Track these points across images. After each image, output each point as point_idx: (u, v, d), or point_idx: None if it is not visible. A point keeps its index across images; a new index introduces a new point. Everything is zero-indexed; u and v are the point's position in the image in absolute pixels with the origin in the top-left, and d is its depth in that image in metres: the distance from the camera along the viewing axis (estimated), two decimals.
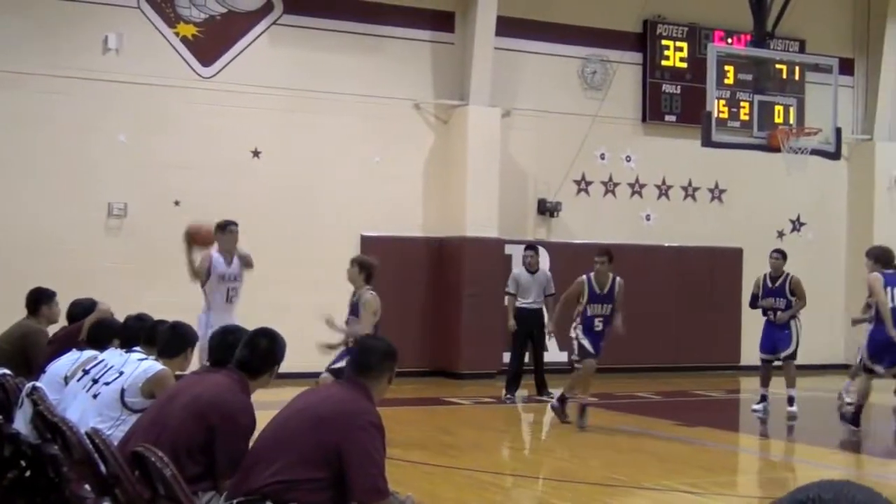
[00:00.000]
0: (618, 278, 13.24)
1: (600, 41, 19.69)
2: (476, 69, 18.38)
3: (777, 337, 14.50)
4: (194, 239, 12.06)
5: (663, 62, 20.02)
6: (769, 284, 14.72)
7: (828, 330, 20.84)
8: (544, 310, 15.78)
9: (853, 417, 13.21)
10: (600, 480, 10.13)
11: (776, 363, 14.57)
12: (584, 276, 13.16)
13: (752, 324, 20.19)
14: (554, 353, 17.56)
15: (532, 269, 16.08)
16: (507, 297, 16.08)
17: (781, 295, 14.60)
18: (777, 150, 18.26)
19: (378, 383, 5.43)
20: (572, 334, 13.30)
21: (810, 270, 20.82)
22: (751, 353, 20.24)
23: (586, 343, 13.06)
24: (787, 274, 14.77)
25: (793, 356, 14.42)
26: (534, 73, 19.21)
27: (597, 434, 13.09)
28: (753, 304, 14.96)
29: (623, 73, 19.71)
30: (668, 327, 19.46)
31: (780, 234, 20.85)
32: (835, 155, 19.22)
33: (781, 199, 20.64)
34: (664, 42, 20.06)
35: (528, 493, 10.42)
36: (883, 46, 21.49)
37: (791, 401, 14.23)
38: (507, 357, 16.53)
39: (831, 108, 19.31)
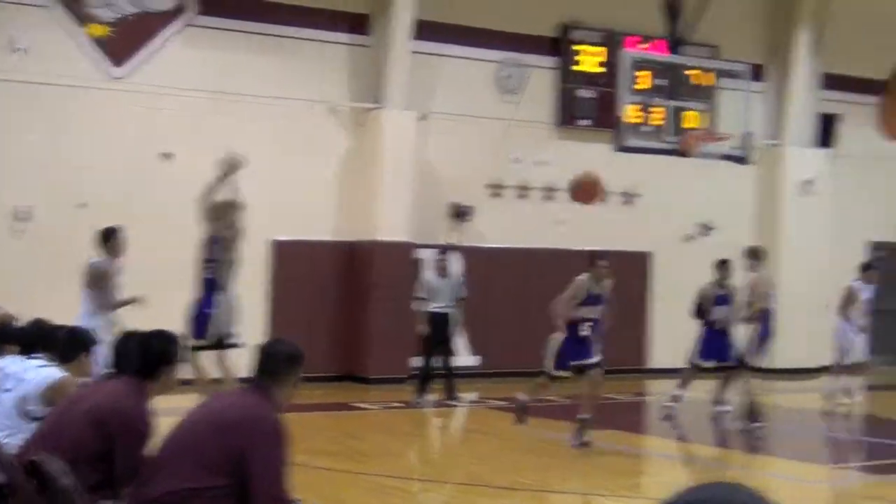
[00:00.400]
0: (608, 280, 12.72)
1: (516, 45, 19.79)
2: (392, 72, 18.38)
3: (723, 344, 14.71)
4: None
5: (578, 67, 20.17)
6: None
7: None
8: (454, 314, 15.85)
9: (751, 416, 13.63)
10: (508, 485, 10.19)
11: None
12: (585, 276, 12.51)
13: (660, 327, 20.50)
14: (465, 358, 17.66)
15: (443, 273, 16.14)
16: (417, 302, 16.11)
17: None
18: (688, 154, 18.52)
19: (283, 388, 5.38)
20: (552, 341, 12.52)
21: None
22: (658, 356, 20.54)
23: (566, 354, 12.29)
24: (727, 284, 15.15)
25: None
26: (450, 76, 19.26)
27: (505, 439, 13.16)
28: (700, 315, 15.03)
29: (538, 78, 19.83)
30: None
31: (689, 238, 21.12)
32: (745, 160, 19.54)
33: (692, 204, 20.90)
34: (579, 47, 20.21)
35: (435, 497, 10.46)
36: (793, 53, 21.85)
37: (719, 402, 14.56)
38: (417, 362, 16.56)
39: (743, 114, 19.66)
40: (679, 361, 20.27)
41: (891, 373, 20.00)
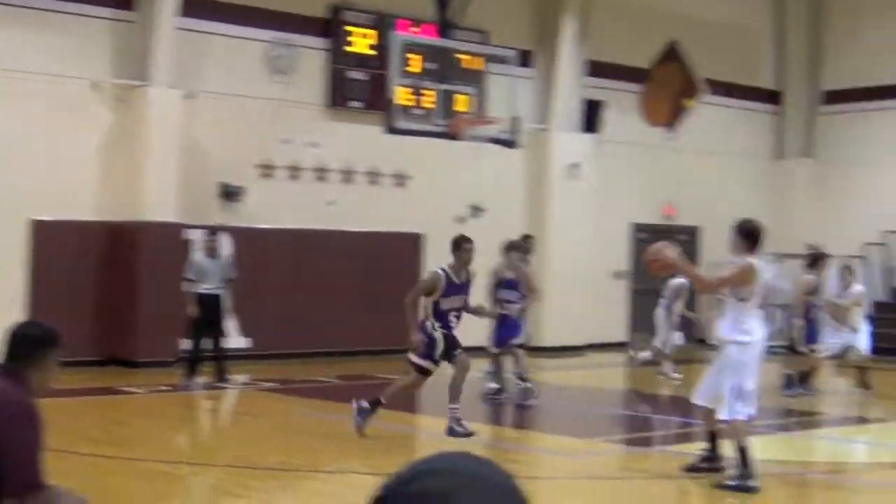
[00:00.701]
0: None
1: (287, 25, 19.57)
2: (157, 49, 17.90)
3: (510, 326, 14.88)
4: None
5: (349, 48, 20.10)
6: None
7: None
8: (224, 295, 15.62)
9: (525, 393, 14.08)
10: (277, 465, 10.10)
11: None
12: (440, 270, 11.67)
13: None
14: (235, 340, 17.43)
15: (212, 254, 15.87)
16: (186, 283, 15.78)
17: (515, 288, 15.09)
18: (458, 137, 18.74)
19: (37, 372, 5.14)
20: (428, 326, 11.51)
21: (488, 256, 21.48)
22: None
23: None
24: (519, 267, 15.29)
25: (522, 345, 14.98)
26: (219, 55, 18.90)
27: (276, 421, 13.05)
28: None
29: (309, 59, 19.68)
30: (351, 311, 19.60)
31: (461, 220, 21.37)
32: (513, 143, 19.89)
33: (462, 186, 21.16)
34: (351, 28, 20.14)
35: (203, 481, 10.27)
36: (560, 41, 22.34)
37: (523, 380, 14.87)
38: (186, 344, 16.23)
39: (511, 99, 20.02)
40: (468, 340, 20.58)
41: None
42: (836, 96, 26.05)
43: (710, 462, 9.61)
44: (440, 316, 11.44)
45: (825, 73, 26.34)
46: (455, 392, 11.61)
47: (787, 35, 26.49)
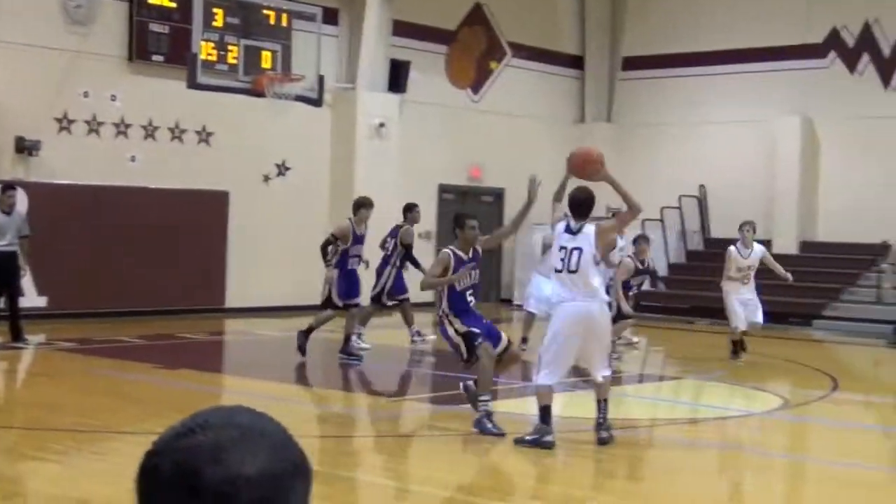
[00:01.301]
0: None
1: None
2: None
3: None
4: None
5: (152, 0, 19.58)
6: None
7: (311, 271, 21.46)
8: (19, 253, 15.11)
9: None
10: (75, 426, 9.86)
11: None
12: (447, 250, 10.49)
13: (238, 267, 20.50)
14: (31, 298, 16.90)
15: (8, 210, 15.32)
16: None
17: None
18: (262, 94, 18.56)
19: None
20: (449, 331, 10.21)
21: (295, 214, 21.39)
22: (235, 296, 20.55)
23: (473, 328, 10.15)
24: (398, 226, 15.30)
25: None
26: (14, 3, 18.14)
27: (73, 380, 12.73)
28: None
29: (109, 9, 19.08)
30: (154, 270, 19.20)
31: (266, 179, 21.19)
32: (318, 102, 19.82)
33: (267, 144, 20.93)
34: None
35: None
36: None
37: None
38: None
39: (316, 57, 19.90)
40: (256, 300, 20.44)
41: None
42: (635, 62, 26.76)
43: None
44: (457, 298, 10.24)
45: (624, 41, 27.00)
46: (484, 381, 10.07)
47: (588, 2, 27.03)
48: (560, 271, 9.49)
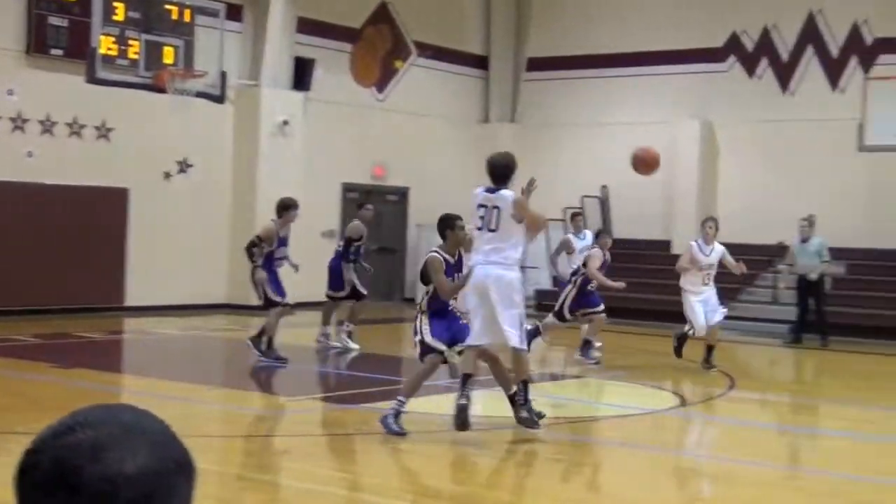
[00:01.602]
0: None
1: None
2: None
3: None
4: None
5: None
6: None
7: (213, 270, 21.30)
8: None
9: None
10: None
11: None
12: (435, 253, 10.17)
13: (138, 265, 20.22)
14: None
15: None
16: None
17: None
18: (164, 90, 18.31)
19: None
20: (416, 327, 10.07)
21: (196, 212, 21.17)
22: (135, 294, 20.27)
23: (434, 342, 9.92)
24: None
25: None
26: None
27: None
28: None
29: (7, 2, 18.69)
30: (51, 267, 18.86)
31: (168, 176, 20.93)
32: (220, 98, 19.61)
33: (169, 141, 20.67)
34: None
35: None
36: None
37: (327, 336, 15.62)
38: None
39: (218, 53, 19.69)
40: (157, 299, 20.18)
41: (378, 309, 20.79)
42: (540, 63, 26.95)
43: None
44: (437, 298, 10.03)
45: (529, 42, 27.18)
46: (410, 385, 10.16)
47: (493, 2, 27.17)
48: (480, 229, 9.57)
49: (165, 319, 19.13)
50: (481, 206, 9.60)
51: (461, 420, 9.45)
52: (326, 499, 7.93)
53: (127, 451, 1.44)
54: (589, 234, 16.84)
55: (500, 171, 9.77)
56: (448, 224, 10.22)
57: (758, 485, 9.02)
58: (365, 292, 16.12)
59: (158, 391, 12.07)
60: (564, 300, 15.42)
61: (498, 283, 9.50)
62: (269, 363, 14.30)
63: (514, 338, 9.57)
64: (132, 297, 20.24)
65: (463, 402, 9.41)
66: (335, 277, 15.98)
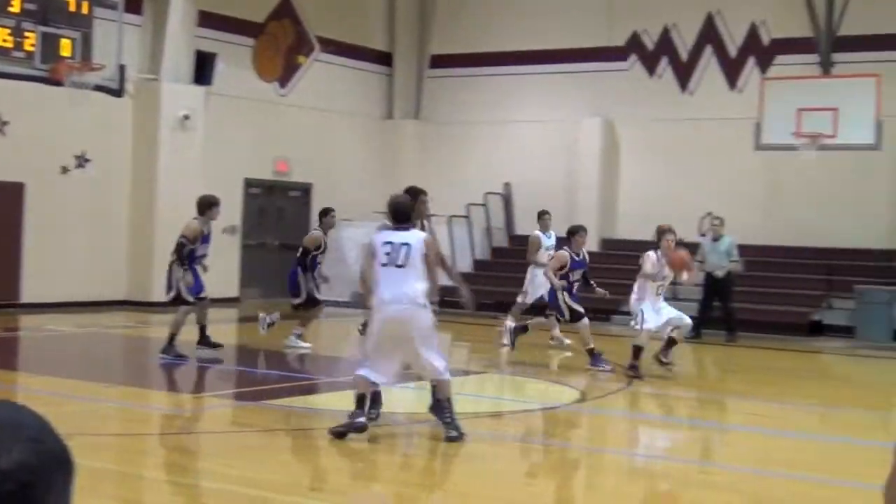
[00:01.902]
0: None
1: None
2: None
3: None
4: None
5: None
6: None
7: (111, 266, 20.99)
8: None
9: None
10: None
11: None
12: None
13: (34, 261, 19.84)
14: None
15: None
16: None
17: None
18: (61, 83, 17.97)
19: None
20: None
21: (94, 207, 20.83)
22: (32, 291, 19.88)
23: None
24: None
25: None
26: None
27: None
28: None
29: None
30: None
31: (65, 170, 20.56)
32: (118, 92, 19.31)
33: (66, 134, 20.31)
34: None
35: None
36: None
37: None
38: None
39: (116, 46, 19.38)
40: (54, 296, 19.81)
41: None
42: (443, 61, 26.99)
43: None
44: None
45: (433, 39, 27.20)
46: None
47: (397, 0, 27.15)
48: (386, 265, 9.49)
49: (63, 316, 18.79)
50: (387, 242, 9.57)
51: (340, 433, 9.43)
52: (233, 497, 7.85)
53: (2, 447, 1.43)
54: (554, 234, 17.54)
55: (404, 210, 9.79)
56: (413, 195, 10.51)
57: (659, 478, 9.12)
58: (322, 300, 16.13)
59: (55, 389, 11.84)
60: (564, 300, 15.45)
61: (418, 326, 9.47)
62: (171, 360, 14.14)
63: (440, 368, 9.61)
64: (28, 294, 19.86)
65: (362, 420, 9.37)
66: (292, 285, 15.95)
